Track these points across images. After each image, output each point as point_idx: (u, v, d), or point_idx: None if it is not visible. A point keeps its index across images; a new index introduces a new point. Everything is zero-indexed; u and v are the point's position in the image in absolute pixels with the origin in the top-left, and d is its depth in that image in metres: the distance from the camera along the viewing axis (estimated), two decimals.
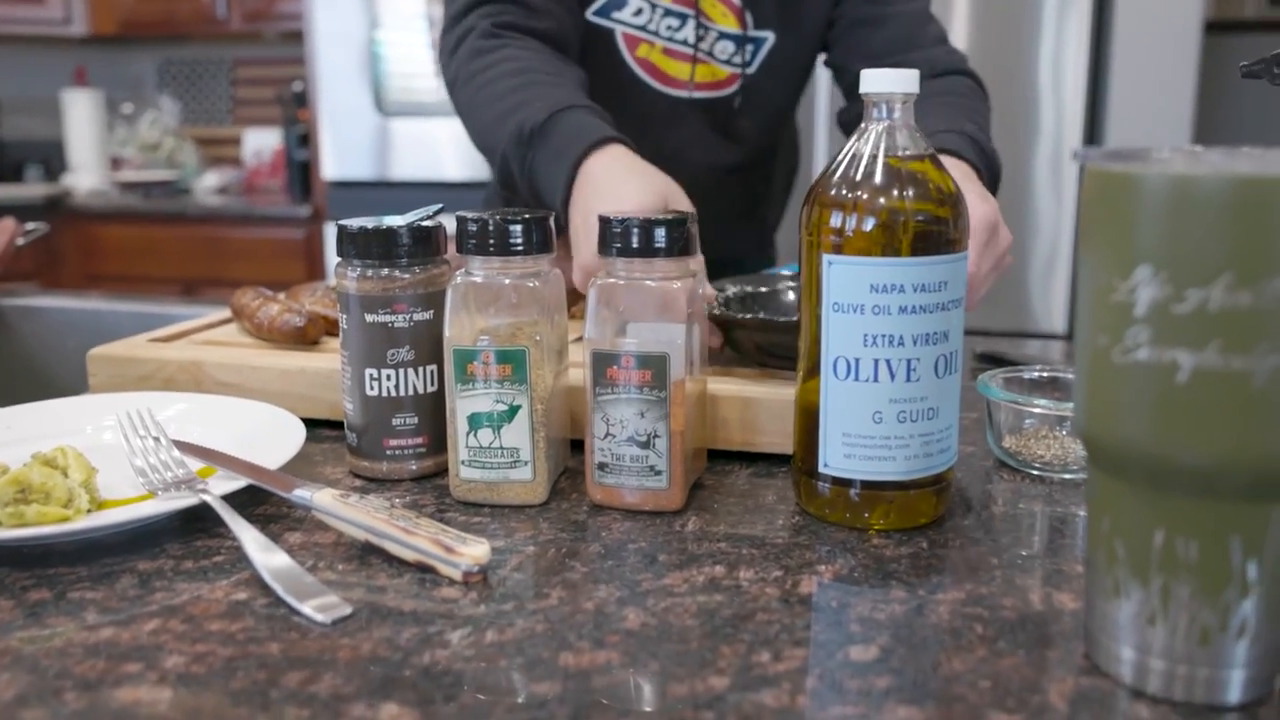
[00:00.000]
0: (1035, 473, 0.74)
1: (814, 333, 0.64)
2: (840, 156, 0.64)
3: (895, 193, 0.61)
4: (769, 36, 1.22)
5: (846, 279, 0.61)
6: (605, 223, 0.66)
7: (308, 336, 0.90)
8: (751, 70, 1.22)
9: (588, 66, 1.15)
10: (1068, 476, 0.73)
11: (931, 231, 0.61)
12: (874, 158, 0.62)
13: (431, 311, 0.71)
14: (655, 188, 0.84)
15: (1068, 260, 2.61)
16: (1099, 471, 0.47)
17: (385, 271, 0.70)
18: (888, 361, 0.61)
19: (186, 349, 0.91)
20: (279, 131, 3.87)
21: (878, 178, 0.61)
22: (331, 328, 0.93)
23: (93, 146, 3.86)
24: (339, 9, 3.18)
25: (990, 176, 0.97)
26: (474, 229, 0.66)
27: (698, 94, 1.21)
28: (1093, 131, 2.67)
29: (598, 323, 0.66)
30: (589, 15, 1.17)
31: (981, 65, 2.87)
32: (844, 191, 0.62)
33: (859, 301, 0.61)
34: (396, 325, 0.71)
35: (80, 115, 3.84)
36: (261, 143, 3.98)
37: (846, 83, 1.25)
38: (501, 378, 0.66)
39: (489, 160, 1.02)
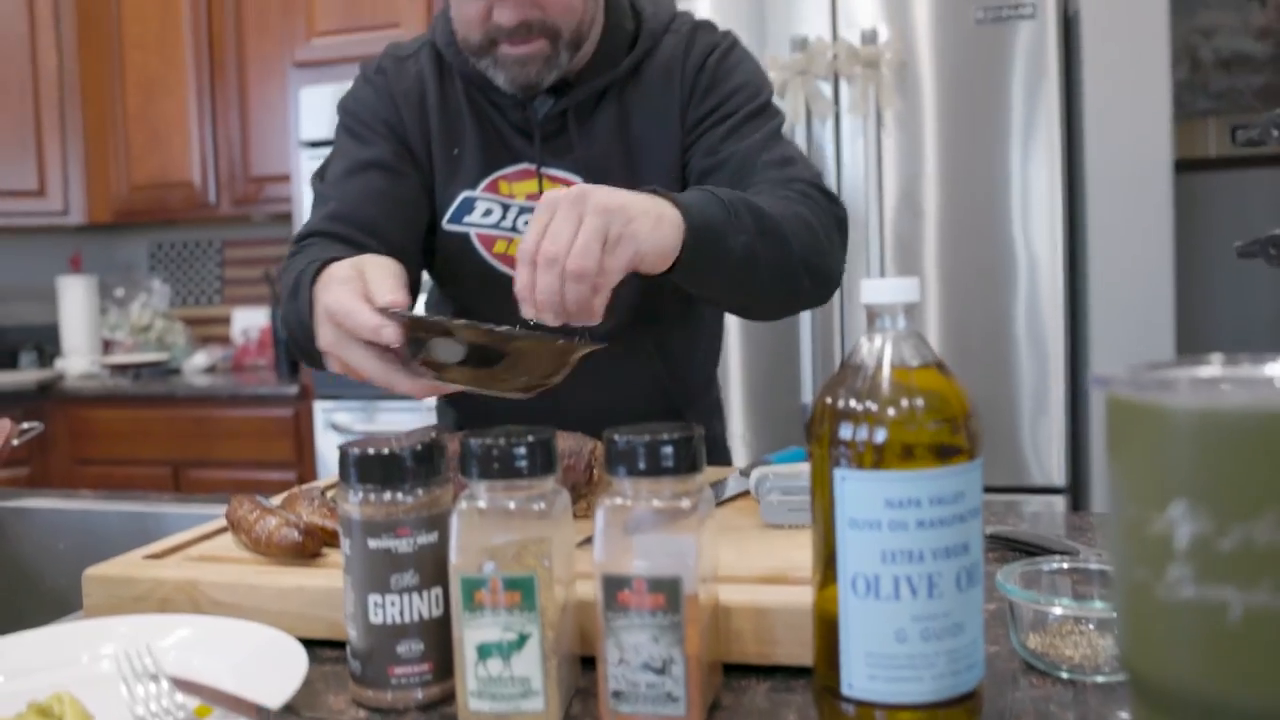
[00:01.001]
0: (1064, 676, 0.71)
1: (828, 539, 0.62)
2: (846, 366, 0.63)
3: (905, 404, 0.60)
4: None
5: (862, 494, 0.60)
6: (610, 443, 0.65)
7: (306, 550, 0.88)
8: None
9: (455, 273, 1.24)
10: (1100, 680, 0.70)
11: (944, 442, 0.60)
12: (879, 367, 0.62)
13: (436, 533, 0.70)
14: (351, 265, 0.96)
15: (1060, 409, 2.61)
16: (1149, 712, 0.45)
17: (388, 495, 0.69)
18: (908, 578, 0.59)
19: (183, 567, 0.89)
20: (267, 310, 3.91)
21: (886, 389, 0.61)
22: (330, 539, 0.91)
23: (86, 330, 3.89)
24: None
25: (702, 218, 1.00)
26: (477, 452, 0.65)
27: None
28: (1073, 276, 2.71)
29: (607, 543, 0.64)
30: (445, 224, 1.27)
31: (950, 221, 2.89)
32: (853, 404, 0.61)
33: (875, 517, 0.59)
34: (400, 550, 0.69)
35: (75, 300, 3.87)
36: (250, 321, 4.02)
37: None
38: (510, 605, 0.64)
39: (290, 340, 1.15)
